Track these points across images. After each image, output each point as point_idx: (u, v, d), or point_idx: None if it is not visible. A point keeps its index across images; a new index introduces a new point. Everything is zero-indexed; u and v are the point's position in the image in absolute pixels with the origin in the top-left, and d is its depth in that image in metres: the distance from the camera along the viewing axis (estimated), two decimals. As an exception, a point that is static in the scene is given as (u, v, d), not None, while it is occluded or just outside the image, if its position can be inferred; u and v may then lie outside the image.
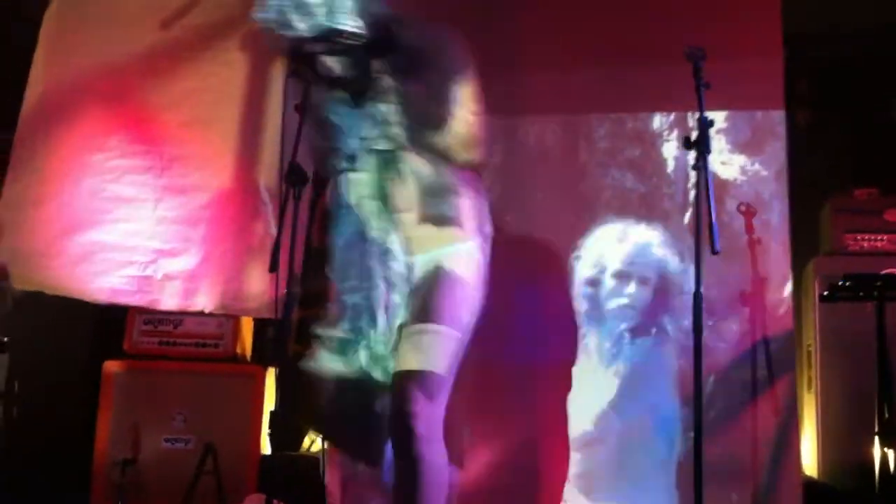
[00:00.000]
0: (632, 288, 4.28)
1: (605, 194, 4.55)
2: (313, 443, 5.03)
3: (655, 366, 4.28)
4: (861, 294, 3.59)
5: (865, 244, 4.60)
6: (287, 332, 4.29)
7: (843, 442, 4.26)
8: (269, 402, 4.79)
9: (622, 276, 4.29)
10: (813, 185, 4.96)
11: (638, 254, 4.31)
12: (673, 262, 4.30)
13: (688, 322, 3.03)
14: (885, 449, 3.25)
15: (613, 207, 4.49)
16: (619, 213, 4.46)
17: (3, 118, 4.94)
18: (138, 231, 4.66)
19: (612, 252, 4.36)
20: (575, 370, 4.34)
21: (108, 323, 4.96)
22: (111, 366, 4.81)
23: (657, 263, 4.32)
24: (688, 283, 3.90)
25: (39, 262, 4.61)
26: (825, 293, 4.00)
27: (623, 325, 4.30)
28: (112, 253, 4.63)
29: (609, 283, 4.33)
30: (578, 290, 4.41)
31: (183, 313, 4.79)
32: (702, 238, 2.93)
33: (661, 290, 4.28)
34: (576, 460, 4.27)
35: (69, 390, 5.04)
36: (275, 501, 3.63)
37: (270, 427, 4.65)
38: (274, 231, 4.63)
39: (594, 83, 4.54)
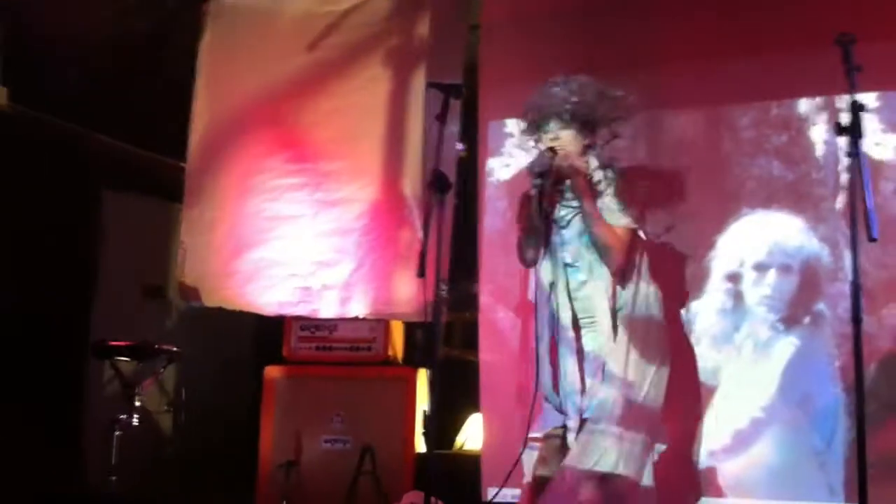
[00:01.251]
0: (772, 278, 4.18)
1: (750, 184, 4.46)
2: (465, 441, 5.12)
3: (811, 356, 4.17)
4: None
5: None
6: (437, 335, 4.39)
7: None
8: (422, 403, 4.91)
9: (762, 268, 4.20)
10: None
11: (778, 243, 4.21)
12: (819, 247, 4.18)
13: (843, 309, 2.96)
14: None
15: (759, 197, 4.40)
16: (766, 202, 4.37)
17: (168, 146, 5.27)
18: (298, 245, 4.88)
19: (751, 244, 4.27)
20: (726, 369, 4.28)
21: (267, 331, 5.19)
22: (272, 371, 5.04)
23: (800, 251, 4.21)
24: (842, 269, 3.79)
25: (218, 281, 4.95)
26: None
27: (772, 317, 4.21)
28: (277, 268, 4.89)
29: (749, 275, 4.24)
30: (718, 286, 4.34)
31: (336, 319, 4.97)
32: (857, 225, 2.85)
33: (808, 277, 4.16)
34: (730, 459, 4.20)
35: (233, 396, 5.30)
36: (433, 499, 3.72)
37: (424, 426, 4.76)
38: (421, 237, 4.74)
39: (737, 72, 4.46)
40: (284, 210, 4.98)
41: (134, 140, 5.43)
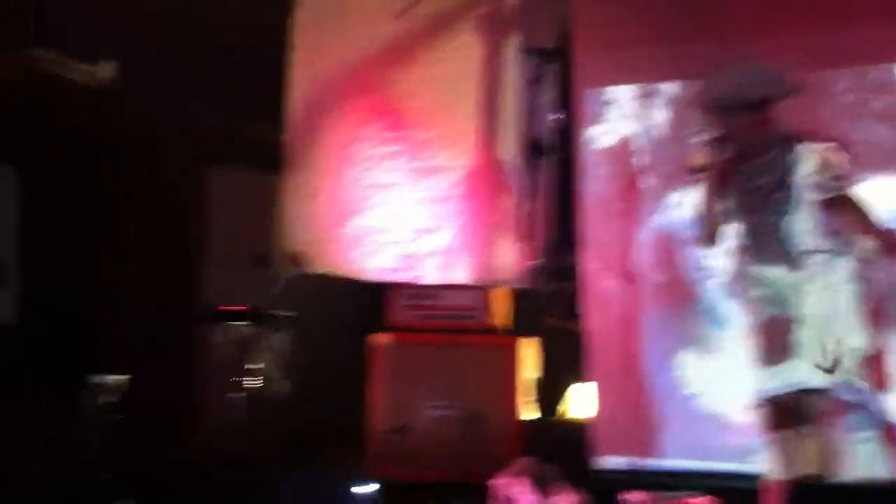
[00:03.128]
0: None
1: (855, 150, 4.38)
2: (567, 411, 5.17)
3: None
4: None
5: None
6: (540, 303, 4.45)
7: None
8: (525, 371, 4.98)
9: None
10: None
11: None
12: None
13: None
14: None
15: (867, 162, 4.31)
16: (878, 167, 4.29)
17: (268, 119, 5.40)
18: (399, 213, 4.99)
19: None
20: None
21: (372, 299, 5.31)
22: (378, 339, 5.16)
23: None
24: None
25: (321, 248, 5.09)
26: None
27: None
28: (378, 235, 5.02)
29: None
30: None
31: (439, 287, 5.06)
32: None
33: None
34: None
35: (340, 362, 5.43)
36: (546, 466, 3.80)
37: (533, 394, 4.84)
38: (519, 204, 4.80)
39: (832, 37, 4.37)
40: (383, 178, 5.11)
41: (235, 114, 5.57)
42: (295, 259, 5.11)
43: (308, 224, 5.18)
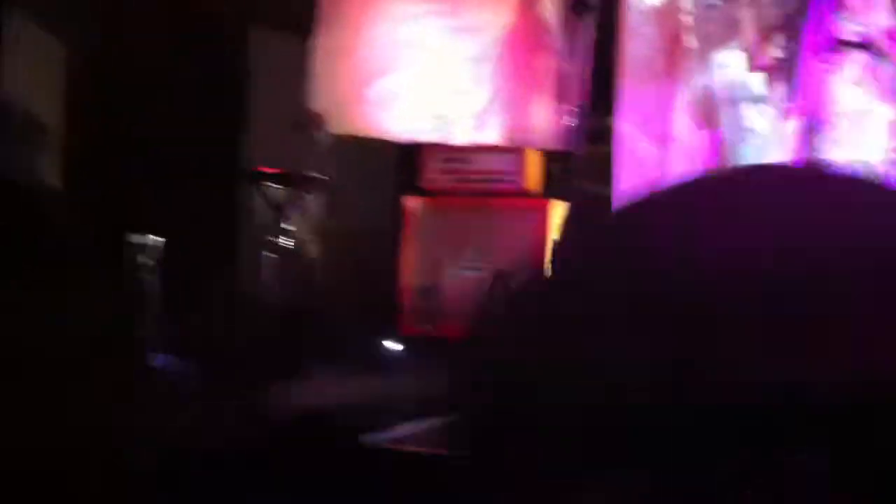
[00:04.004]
0: None
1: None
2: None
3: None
4: None
5: None
6: (574, 165, 4.40)
7: None
8: (555, 233, 4.97)
9: None
10: None
11: None
12: None
13: None
14: None
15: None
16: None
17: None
18: (433, 73, 4.90)
19: None
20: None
21: (406, 162, 5.31)
22: (411, 202, 5.19)
23: None
24: None
25: (349, 107, 5.02)
26: None
27: None
28: (409, 94, 4.93)
29: None
30: None
31: (472, 149, 5.03)
32: None
33: None
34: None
35: (376, 224, 5.48)
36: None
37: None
38: (559, 63, 4.69)
39: None
40: (418, 37, 4.99)
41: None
42: (322, 119, 5.07)
43: (337, 83, 5.08)
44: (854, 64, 3.87)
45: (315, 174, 5.02)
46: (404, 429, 2.69)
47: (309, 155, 5.35)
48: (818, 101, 4.07)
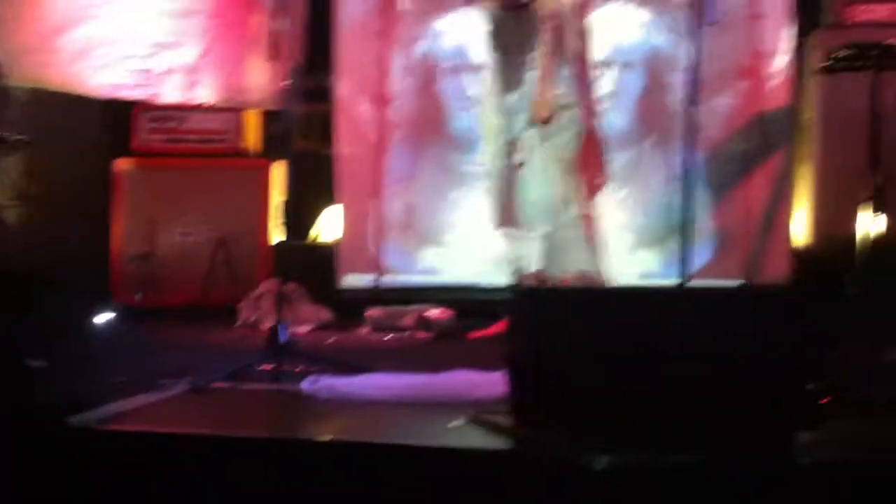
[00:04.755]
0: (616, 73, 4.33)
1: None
2: (320, 233, 5.19)
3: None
4: (859, 64, 3.55)
5: (867, 16, 4.53)
6: (292, 125, 4.34)
7: (835, 212, 4.19)
8: (277, 195, 4.91)
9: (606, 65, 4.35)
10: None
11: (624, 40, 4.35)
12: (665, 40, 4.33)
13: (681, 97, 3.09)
14: (873, 215, 3.32)
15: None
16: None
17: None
18: (136, 24, 4.61)
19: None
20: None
21: (114, 123, 5.02)
22: (122, 163, 4.93)
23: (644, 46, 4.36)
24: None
25: (36, 58, 4.58)
26: (824, 64, 3.97)
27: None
28: (110, 47, 4.59)
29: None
30: None
31: (187, 108, 4.84)
32: (697, 11, 2.93)
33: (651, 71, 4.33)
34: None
35: (83, 188, 5.16)
36: (290, 284, 3.79)
37: (284, 217, 4.79)
38: (272, 21, 4.57)
39: None
40: None
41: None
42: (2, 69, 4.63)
43: (21, 28, 4.52)
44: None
45: (8, 134, 4.62)
46: (112, 407, 2.56)
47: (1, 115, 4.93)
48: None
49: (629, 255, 4.43)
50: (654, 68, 4.49)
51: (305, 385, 2.78)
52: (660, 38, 4.44)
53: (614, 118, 4.47)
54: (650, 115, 4.52)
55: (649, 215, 4.49)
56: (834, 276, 3.64)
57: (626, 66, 4.47)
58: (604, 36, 4.34)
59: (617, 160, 4.33)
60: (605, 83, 4.43)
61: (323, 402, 2.69)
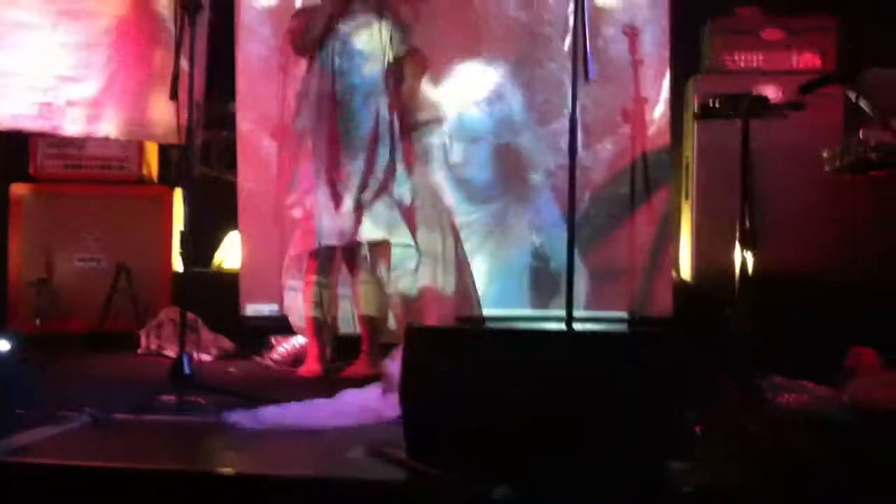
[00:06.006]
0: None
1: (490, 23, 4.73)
2: (223, 259, 5.25)
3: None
4: (730, 113, 3.81)
5: (742, 63, 4.83)
6: (192, 157, 4.40)
7: (713, 248, 4.44)
8: (178, 222, 4.97)
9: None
10: (699, 3, 5.09)
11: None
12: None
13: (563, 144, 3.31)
14: (745, 252, 3.56)
15: (496, 37, 4.70)
16: (504, 40, 4.69)
17: None
18: (38, 57, 4.62)
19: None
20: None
21: (11, 147, 5.00)
22: (18, 189, 4.91)
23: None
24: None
25: None
26: (696, 111, 4.25)
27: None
28: (11, 79, 4.60)
29: None
30: None
31: (88, 138, 4.86)
32: (579, 64, 3.15)
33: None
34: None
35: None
36: (189, 314, 3.84)
37: (181, 245, 4.84)
38: (175, 58, 4.62)
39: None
40: (20, 17, 4.61)
41: None
42: None
43: None
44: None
45: None
46: (12, 440, 2.58)
47: None
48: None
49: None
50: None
51: (230, 415, 2.84)
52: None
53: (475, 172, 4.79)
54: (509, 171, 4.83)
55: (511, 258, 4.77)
56: (717, 309, 3.90)
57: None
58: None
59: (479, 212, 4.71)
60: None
61: (227, 433, 2.76)
